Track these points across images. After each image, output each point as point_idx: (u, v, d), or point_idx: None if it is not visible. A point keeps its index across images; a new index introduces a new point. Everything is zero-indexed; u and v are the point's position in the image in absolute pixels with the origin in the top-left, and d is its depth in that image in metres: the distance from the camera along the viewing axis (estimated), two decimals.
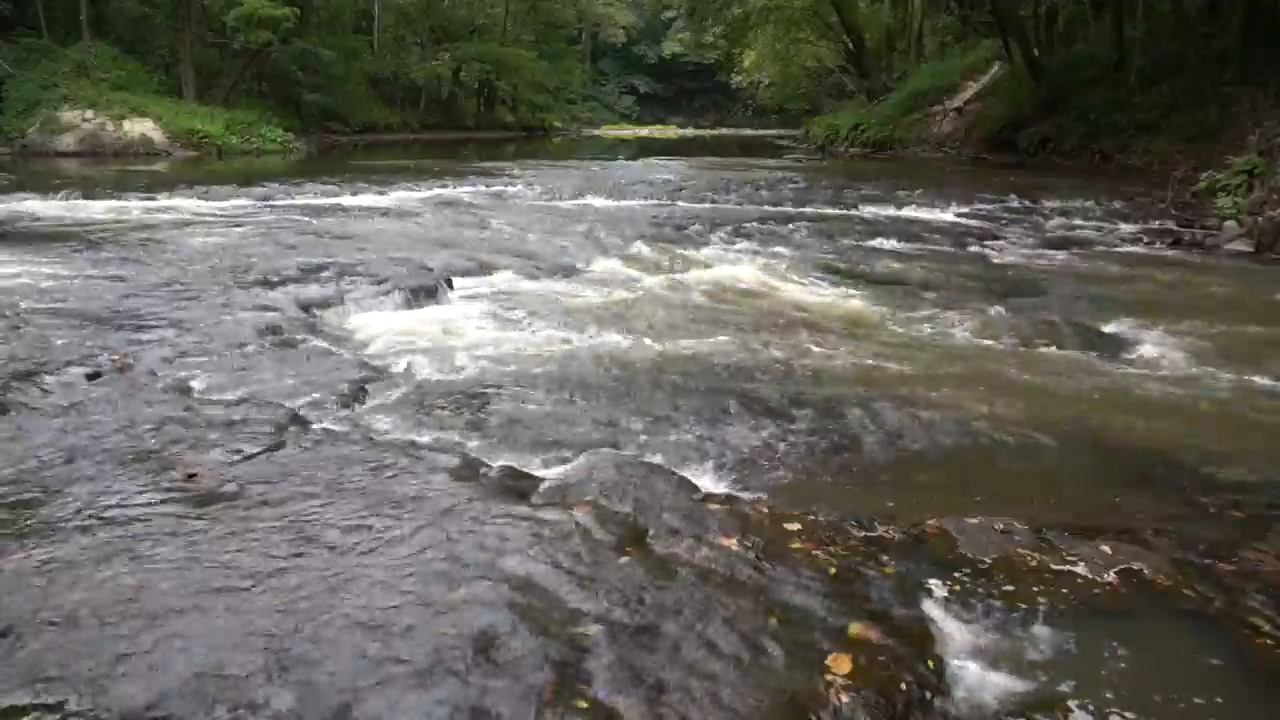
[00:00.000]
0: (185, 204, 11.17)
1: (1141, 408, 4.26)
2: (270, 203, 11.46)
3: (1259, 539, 2.89)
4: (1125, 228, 10.34)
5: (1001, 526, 2.84)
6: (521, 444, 3.62)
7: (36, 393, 3.71)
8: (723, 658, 2.07)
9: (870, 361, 4.94)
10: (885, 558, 2.63)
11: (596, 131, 50.81)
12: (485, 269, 7.13)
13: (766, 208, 11.80)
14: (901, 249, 9.12)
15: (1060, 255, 8.91)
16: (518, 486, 3.02)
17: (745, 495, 3.14)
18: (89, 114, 21.82)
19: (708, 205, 12.15)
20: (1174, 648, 2.31)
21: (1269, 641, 2.31)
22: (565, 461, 3.42)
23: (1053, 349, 5.29)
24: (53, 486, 2.86)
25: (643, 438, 3.70)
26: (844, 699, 1.96)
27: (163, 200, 11.32)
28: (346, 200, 11.96)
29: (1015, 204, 12.04)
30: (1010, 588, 2.52)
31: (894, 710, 1.96)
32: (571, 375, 4.53)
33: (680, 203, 12.35)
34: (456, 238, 8.67)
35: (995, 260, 8.63)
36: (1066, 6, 21.67)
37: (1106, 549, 2.73)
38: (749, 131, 51.85)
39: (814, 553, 2.61)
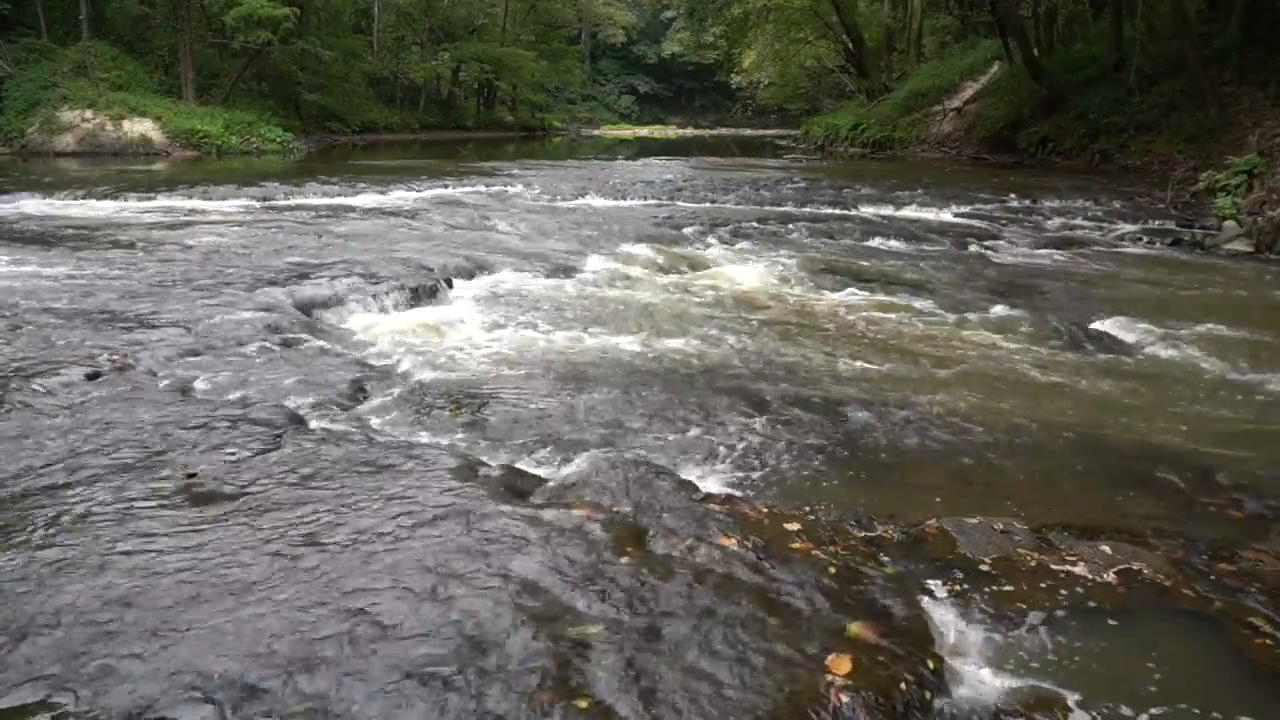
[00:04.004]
0: (185, 204, 11.17)
1: (1141, 408, 4.26)
2: (270, 203, 11.46)
3: (1259, 539, 2.89)
4: (1125, 227, 10.34)
5: (1001, 526, 2.84)
6: (521, 444, 3.63)
7: (36, 393, 3.71)
8: (722, 658, 2.07)
9: (870, 361, 4.94)
10: (885, 557, 2.63)
11: (596, 131, 50.80)
12: (485, 269, 7.13)
13: (766, 208, 11.80)
14: (901, 249, 9.12)
15: (1060, 255, 8.91)
16: (518, 486, 3.02)
17: (745, 495, 3.15)
18: (88, 114, 21.81)
19: (707, 205, 12.15)
20: (1174, 648, 2.30)
21: (1269, 641, 2.31)
22: (565, 461, 3.42)
23: (1052, 349, 5.29)
24: (52, 486, 2.85)
25: (643, 438, 3.71)
26: (844, 699, 1.96)
27: (162, 200, 11.32)
28: (346, 200, 11.96)
29: (1015, 204, 12.05)
30: (1010, 588, 2.52)
31: (894, 710, 1.96)
32: (571, 375, 4.53)
33: (680, 202, 12.36)
34: (456, 238, 8.67)
35: (995, 260, 8.63)
36: (1066, 6, 21.66)
37: (1106, 549, 2.73)
38: (748, 131, 51.86)
39: (814, 552, 2.61)
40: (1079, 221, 10.92)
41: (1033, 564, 2.63)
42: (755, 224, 10.00)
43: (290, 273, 6.42)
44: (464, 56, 38.10)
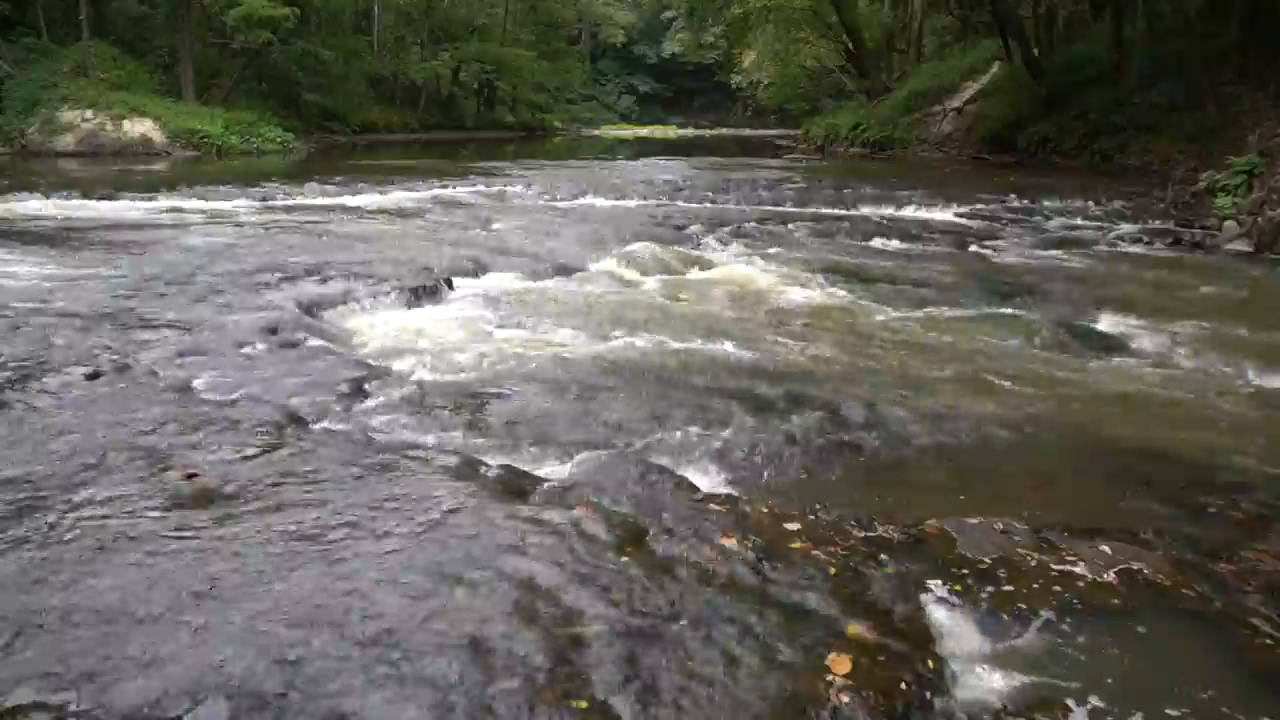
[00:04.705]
0: (185, 204, 11.16)
1: (1141, 408, 4.26)
2: (270, 203, 11.46)
3: (1259, 539, 2.89)
4: (1125, 228, 10.34)
5: (1001, 526, 2.84)
6: (521, 444, 3.63)
7: (36, 392, 3.71)
8: (722, 657, 2.07)
9: (870, 361, 4.94)
10: (885, 557, 2.63)
11: (596, 131, 50.73)
12: (485, 269, 7.13)
13: (766, 208, 11.81)
14: (901, 249, 9.12)
15: (1060, 255, 8.91)
16: (518, 486, 3.02)
17: (745, 495, 3.14)
18: (89, 114, 21.79)
19: (707, 205, 12.16)
20: (1174, 648, 2.30)
21: (1269, 641, 2.31)
22: (565, 461, 3.42)
23: (1052, 349, 5.29)
24: (52, 486, 2.85)
25: (643, 438, 3.70)
26: (844, 699, 1.96)
27: (163, 200, 11.31)
28: (346, 200, 11.96)
29: (1015, 204, 12.04)
30: (1010, 588, 2.52)
31: (894, 710, 1.96)
32: (571, 375, 4.53)
33: (680, 202, 12.36)
34: (456, 238, 8.67)
35: (995, 260, 8.63)
36: (1066, 6, 21.67)
37: (1106, 549, 2.73)
38: (748, 131, 51.79)
39: (814, 552, 2.61)
40: (1079, 221, 10.92)
41: (1033, 564, 2.63)
42: (755, 224, 10.01)
43: (290, 273, 6.42)
44: (464, 57, 38.07)
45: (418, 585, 2.29)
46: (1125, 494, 3.33)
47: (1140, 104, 17.18)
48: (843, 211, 11.45)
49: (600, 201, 12.45)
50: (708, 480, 3.30)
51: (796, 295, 6.76)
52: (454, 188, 13.50)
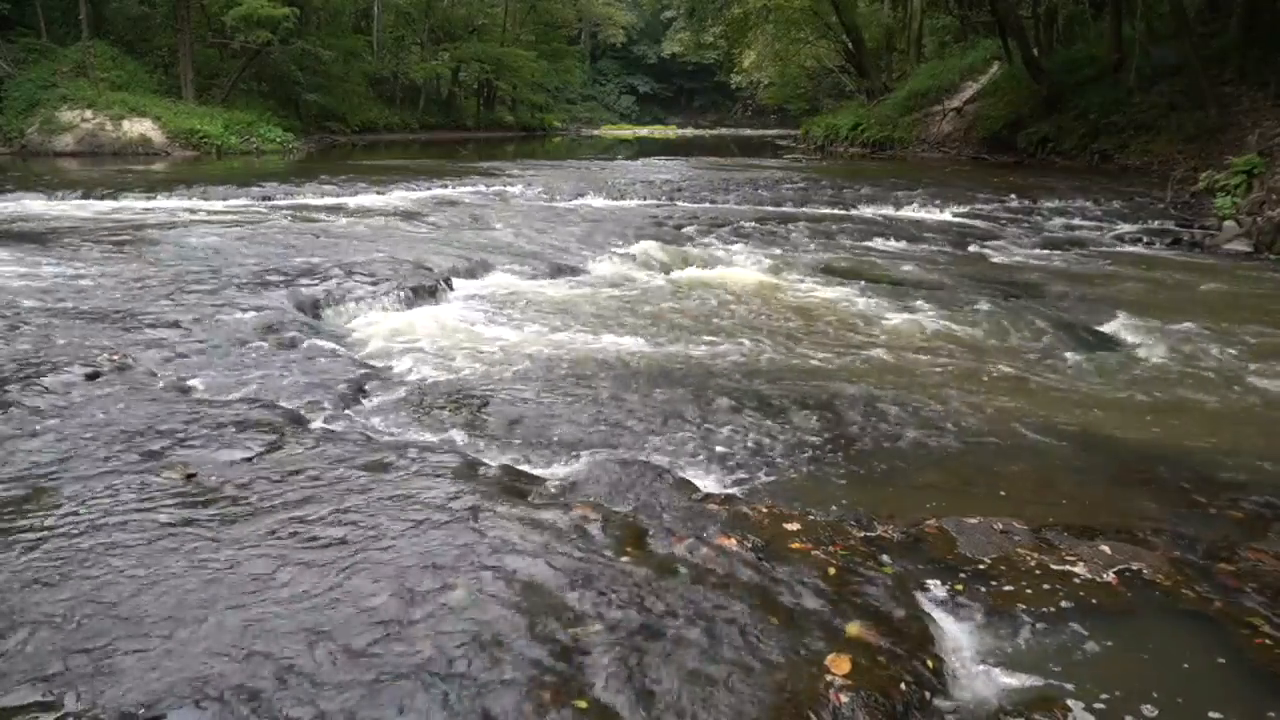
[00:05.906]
0: (185, 204, 11.17)
1: (1141, 407, 4.26)
2: (270, 203, 11.46)
3: (1259, 539, 2.89)
4: (1124, 228, 10.34)
5: (1001, 526, 2.84)
6: (521, 444, 3.63)
7: (36, 392, 3.71)
8: (722, 658, 2.07)
9: (869, 361, 4.94)
10: (885, 557, 2.64)
11: (596, 131, 50.75)
12: (485, 269, 7.13)
13: (766, 208, 11.81)
14: (901, 249, 9.12)
15: (1059, 255, 8.91)
16: (518, 486, 3.02)
17: (745, 495, 3.14)
18: (88, 114, 21.81)
19: (707, 205, 12.15)
20: (1174, 648, 2.31)
21: (1268, 641, 2.31)
22: (565, 461, 3.42)
23: (1052, 349, 5.29)
24: (51, 487, 2.85)
25: (643, 438, 3.71)
26: (844, 699, 1.96)
27: (162, 200, 11.32)
28: (346, 200, 11.95)
29: (1015, 204, 12.04)
30: (1010, 588, 2.52)
31: (894, 710, 1.96)
32: (571, 375, 4.53)
33: (680, 203, 12.35)
34: (456, 238, 8.67)
35: (994, 260, 8.63)
36: (1066, 6, 21.66)
37: (1106, 549, 2.73)
38: (748, 131, 51.81)
39: (814, 552, 2.61)
40: (1079, 221, 10.91)
41: (1033, 564, 2.64)
42: (755, 224, 10.00)
43: (290, 272, 6.42)
44: (464, 56, 38.09)
45: (416, 585, 2.29)
46: (1125, 494, 3.33)
47: (1140, 104, 17.17)
48: (842, 211, 11.45)
49: (600, 201, 12.45)
50: (708, 480, 3.30)
51: (796, 295, 6.76)
52: (454, 188, 13.50)
